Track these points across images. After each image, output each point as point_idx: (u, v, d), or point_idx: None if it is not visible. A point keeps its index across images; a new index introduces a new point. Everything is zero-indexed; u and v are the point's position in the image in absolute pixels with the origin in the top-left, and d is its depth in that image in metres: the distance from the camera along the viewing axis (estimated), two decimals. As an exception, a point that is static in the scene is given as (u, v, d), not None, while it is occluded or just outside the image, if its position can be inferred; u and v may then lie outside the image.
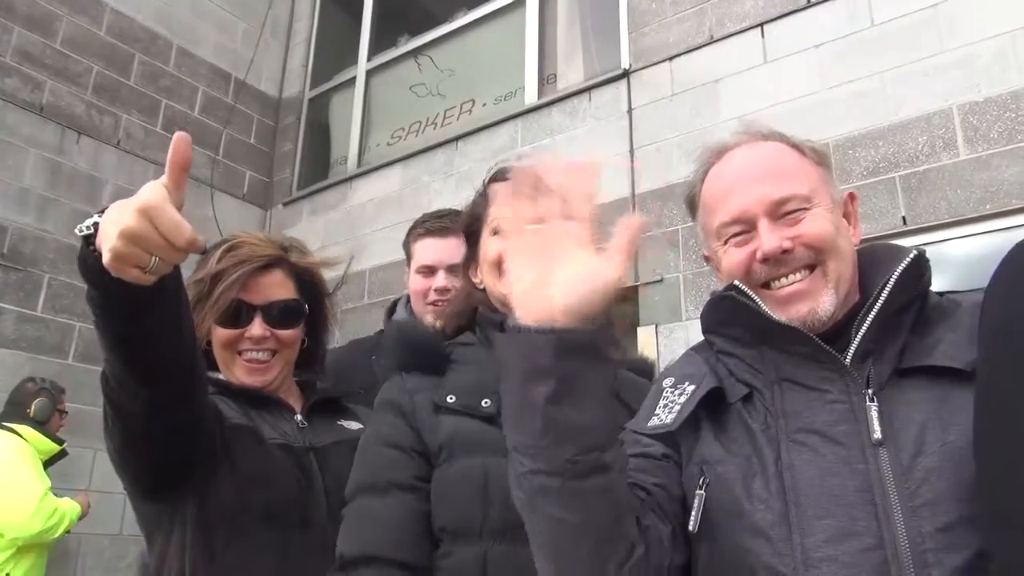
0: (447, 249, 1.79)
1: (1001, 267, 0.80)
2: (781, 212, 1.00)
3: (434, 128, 5.21)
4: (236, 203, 5.69)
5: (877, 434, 0.89)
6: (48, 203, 4.61)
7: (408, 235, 1.97)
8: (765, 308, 0.99)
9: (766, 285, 1.01)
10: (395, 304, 2.05)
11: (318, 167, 5.91)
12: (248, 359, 1.36)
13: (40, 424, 3.54)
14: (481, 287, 1.33)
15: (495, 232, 1.29)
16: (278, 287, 1.38)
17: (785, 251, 0.99)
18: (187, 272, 1.17)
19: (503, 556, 1.08)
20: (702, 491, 0.96)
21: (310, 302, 1.45)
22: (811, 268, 1.00)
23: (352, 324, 4.67)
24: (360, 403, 1.62)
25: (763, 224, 1.00)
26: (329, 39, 6.32)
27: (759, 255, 1.00)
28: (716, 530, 0.93)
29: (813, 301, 0.98)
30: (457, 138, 4.87)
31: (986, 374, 0.81)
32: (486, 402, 1.17)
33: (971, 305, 0.94)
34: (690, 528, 0.94)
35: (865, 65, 3.38)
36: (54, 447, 3.54)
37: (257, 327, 1.35)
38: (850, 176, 3.27)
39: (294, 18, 6.46)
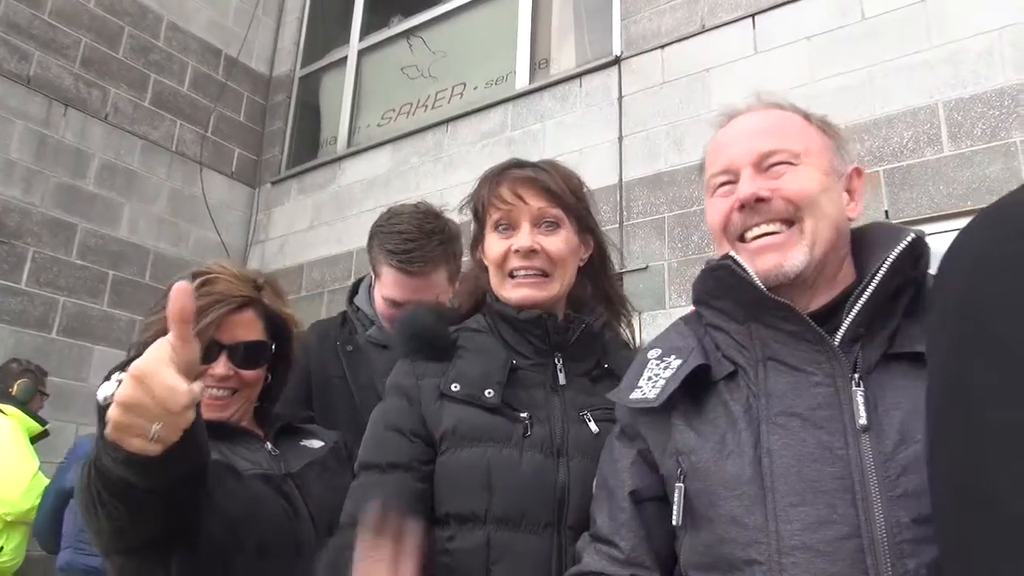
0: (415, 289, 1.71)
1: (963, 240, 0.72)
2: (766, 164, 1.00)
3: (425, 110, 5.20)
4: (225, 180, 5.67)
5: (862, 420, 0.87)
6: (34, 176, 4.58)
7: (374, 244, 1.81)
8: (757, 282, 0.96)
9: (742, 238, 1.01)
10: (357, 285, 1.98)
11: (307, 146, 5.88)
12: (208, 396, 1.33)
13: (22, 404, 3.56)
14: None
15: (496, 228, 1.30)
16: (246, 328, 1.36)
17: (760, 199, 0.98)
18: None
19: (505, 541, 1.13)
20: (680, 483, 0.95)
21: (276, 340, 1.42)
22: (789, 223, 0.98)
23: (338, 304, 4.68)
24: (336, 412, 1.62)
25: (745, 173, 1.01)
26: (321, 18, 6.27)
27: (736, 201, 1.00)
28: (696, 520, 0.93)
29: (782, 255, 0.96)
30: (447, 121, 4.86)
31: (946, 358, 0.71)
32: (489, 392, 1.20)
33: None
34: (674, 522, 0.94)
35: (854, 58, 3.39)
36: (37, 427, 3.56)
37: (221, 366, 1.32)
38: (835, 169, 3.29)
39: (287, -5, 6.41)
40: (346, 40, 5.89)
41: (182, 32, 5.59)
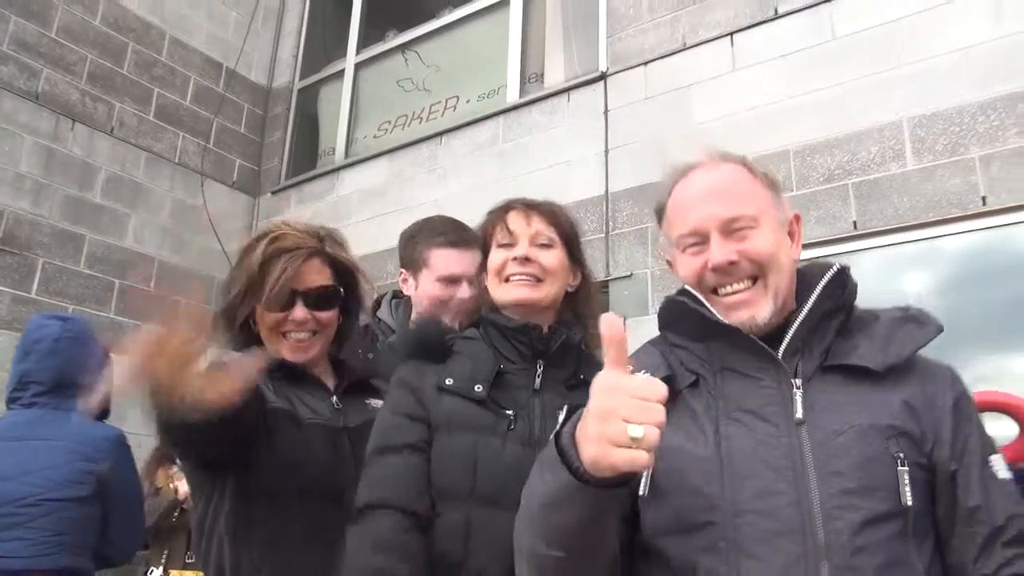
0: (470, 262, 1.85)
1: None
2: (731, 228, 1.16)
3: (419, 122, 5.38)
4: (226, 190, 5.85)
5: (799, 415, 1.07)
6: (43, 188, 4.76)
7: (418, 242, 2.02)
8: (712, 310, 1.15)
9: (715, 291, 1.17)
10: (379, 300, 2.17)
11: (306, 157, 6.06)
12: (292, 340, 1.52)
13: None
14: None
15: (499, 245, 1.51)
16: (317, 274, 1.54)
17: (731, 263, 1.14)
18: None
19: (484, 518, 1.30)
20: None
21: (344, 286, 1.61)
22: (754, 279, 1.15)
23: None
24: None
25: (715, 238, 1.16)
26: (319, 31, 6.45)
27: (710, 265, 1.15)
28: (661, 493, 1.09)
29: (753, 309, 1.14)
30: (441, 133, 5.04)
31: None
32: (478, 387, 1.39)
33: (888, 320, 1.16)
34: (640, 493, 1.08)
35: (826, 76, 3.57)
36: None
37: (299, 311, 1.50)
38: (807, 182, 3.48)
39: (285, 8, 6.58)
40: (343, 53, 6.07)
41: (184, 46, 5.76)
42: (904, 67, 3.37)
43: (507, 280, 1.48)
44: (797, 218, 1.25)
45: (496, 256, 1.51)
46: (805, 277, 1.23)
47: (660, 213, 1.32)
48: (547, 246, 1.50)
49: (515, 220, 1.51)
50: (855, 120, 3.44)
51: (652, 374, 1.16)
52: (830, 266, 1.18)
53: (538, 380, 1.45)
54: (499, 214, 1.55)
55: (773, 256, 1.15)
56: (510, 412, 1.38)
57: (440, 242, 1.97)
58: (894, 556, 1.00)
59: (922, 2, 3.38)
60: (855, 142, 3.41)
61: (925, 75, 3.30)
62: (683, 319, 1.20)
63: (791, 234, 1.23)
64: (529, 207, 1.53)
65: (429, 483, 1.33)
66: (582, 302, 1.58)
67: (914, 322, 1.16)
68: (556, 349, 1.47)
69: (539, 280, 1.47)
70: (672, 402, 1.16)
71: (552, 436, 0.99)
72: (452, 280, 1.94)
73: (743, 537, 1.02)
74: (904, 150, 3.28)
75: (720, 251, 1.15)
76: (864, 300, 1.21)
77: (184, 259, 5.42)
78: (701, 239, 1.18)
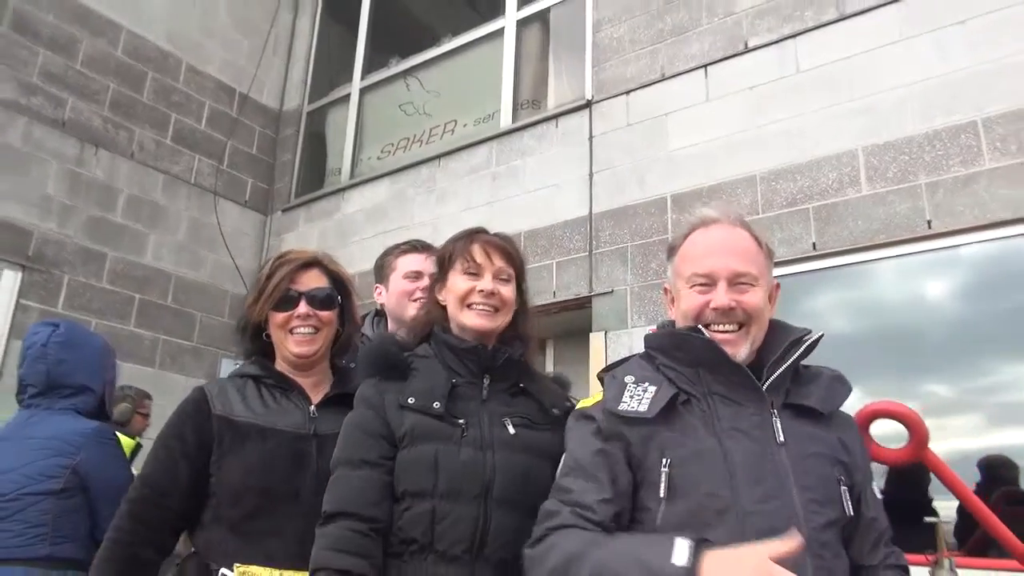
0: (428, 263, 2.32)
1: None
2: (737, 281, 1.45)
3: (419, 145, 5.69)
4: (238, 209, 6.19)
5: (781, 438, 1.37)
6: (68, 210, 5.12)
7: (386, 256, 2.48)
8: (725, 350, 1.42)
9: (707, 326, 1.45)
10: (364, 317, 2.50)
11: (314, 177, 6.39)
12: (297, 334, 1.80)
13: (120, 425, 3.98)
14: (442, 305, 1.80)
15: (465, 272, 1.77)
16: (316, 279, 1.85)
17: (731, 308, 1.43)
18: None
19: (446, 508, 1.56)
20: (666, 468, 1.35)
21: (341, 296, 1.91)
22: (740, 325, 1.44)
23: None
24: None
25: (722, 285, 1.45)
26: (326, 57, 6.80)
27: (712, 305, 1.44)
28: (679, 494, 1.34)
29: (735, 349, 1.43)
30: (440, 156, 5.35)
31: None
32: (436, 404, 1.64)
33: (827, 376, 1.49)
34: (660, 495, 1.34)
35: (790, 107, 3.85)
36: (131, 443, 3.98)
37: (302, 307, 1.78)
38: (772, 205, 3.75)
39: (295, 36, 6.93)
40: (349, 78, 6.40)
41: (199, 73, 6.12)
42: (860, 100, 3.63)
43: (470, 307, 1.74)
44: (777, 286, 1.56)
45: (462, 283, 1.75)
46: (776, 329, 1.53)
47: (673, 249, 1.61)
48: (506, 280, 1.77)
49: (481, 254, 1.76)
50: (815, 148, 3.71)
51: (658, 389, 1.47)
52: (800, 329, 1.50)
53: (485, 392, 1.71)
54: (465, 245, 1.79)
55: (760, 312, 1.46)
56: (462, 421, 1.64)
57: (404, 249, 2.45)
58: (837, 551, 1.34)
59: (877, 40, 3.65)
60: (815, 169, 3.68)
61: (878, 108, 3.57)
62: (680, 347, 1.48)
63: (771, 297, 1.53)
64: (493, 245, 1.78)
65: (387, 493, 1.58)
66: (521, 322, 1.84)
67: (840, 381, 1.49)
68: (500, 364, 1.73)
69: (497, 310, 1.74)
70: (672, 415, 1.47)
71: (672, 561, 1.20)
72: (416, 275, 2.37)
73: (750, 533, 1.26)
74: (859, 177, 3.54)
75: (725, 297, 1.44)
76: (819, 314, 1.51)
77: (199, 274, 5.77)
78: (710, 282, 1.47)
